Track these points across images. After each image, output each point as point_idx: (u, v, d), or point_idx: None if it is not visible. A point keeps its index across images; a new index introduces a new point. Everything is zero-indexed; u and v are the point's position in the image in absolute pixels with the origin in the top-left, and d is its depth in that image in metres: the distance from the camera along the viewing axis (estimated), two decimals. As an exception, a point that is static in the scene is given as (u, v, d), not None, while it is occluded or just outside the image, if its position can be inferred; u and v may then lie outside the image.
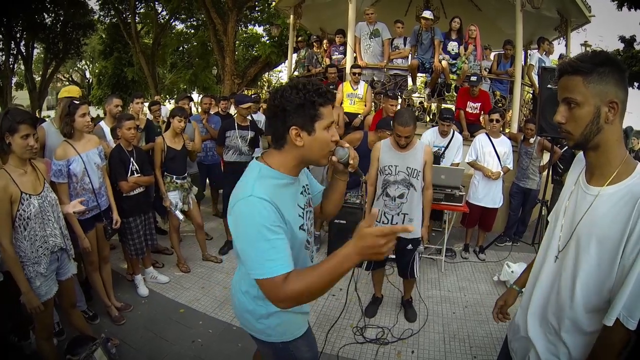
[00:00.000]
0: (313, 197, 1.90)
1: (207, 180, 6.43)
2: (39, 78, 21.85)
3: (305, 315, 1.94)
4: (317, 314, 3.90)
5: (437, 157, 5.29)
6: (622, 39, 16.61)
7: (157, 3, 20.23)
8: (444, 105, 8.44)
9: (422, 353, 3.43)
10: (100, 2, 20.17)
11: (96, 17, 21.38)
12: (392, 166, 3.50)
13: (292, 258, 1.47)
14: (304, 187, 1.79)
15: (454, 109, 6.75)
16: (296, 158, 1.60)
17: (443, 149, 5.34)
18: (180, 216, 4.54)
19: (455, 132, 5.44)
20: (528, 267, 1.87)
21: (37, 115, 16.74)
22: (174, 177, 4.48)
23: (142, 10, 20.78)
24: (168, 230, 4.80)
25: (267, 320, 1.76)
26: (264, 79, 27.65)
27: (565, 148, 5.69)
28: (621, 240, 1.31)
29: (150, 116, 6.09)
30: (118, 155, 3.85)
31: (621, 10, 14.48)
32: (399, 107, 6.42)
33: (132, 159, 3.92)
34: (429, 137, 5.42)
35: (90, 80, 31.04)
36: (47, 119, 4.73)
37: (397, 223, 3.49)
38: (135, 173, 3.93)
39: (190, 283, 4.46)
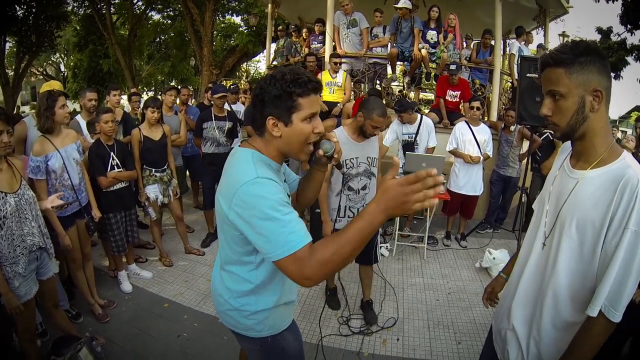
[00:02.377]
0: (288, 185, 1.86)
1: (187, 172, 6.38)
2: (12, 73, 21.16)
3: (293, 304, 1.91)
4: (301, 304, 3.92)
5: (411, 144, 5.33)
6: (599, 30, 16.83)
7: (132, -7, 19.82)
8: (421, 95, 8.49)
9: (407, 340, 3.47)
10: (73, -8, 19.67)
11: (70, 8, 20.79)
12: (353, 159, 3.31)
13: None
14: (284, 174, 1.80)
15: (433, 97, 6.79)
16: (276, 148, 1.58)
17: (413, 135, 5.36)
18: (153, 215, 4.49)
19: (424, 117, 5.45)
20: (514, 257, 1.89)
21: (16, 112, 16.35)
22: (153, 170, 4.41)
23: (117, 1, 20.29)
24: (149, 224, 4.75)
25: (256, 316, 1.71)
26: (242, 69, 27.43)
27: (544, 136, 5.78)
28: (603, 223, 1.33)
29: (127, 108, 6.00)
30: (96, 150, 3.77)
31: (598, 1, 14.66)
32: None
33: (112, 153, 3.83)
34: (396, 127, 5.45)
35: (65, 74, 30.24)
36: (22, 114, 4.62)
37: None
38: (116, 168, 3.86)
39: (173, 277, 4.43)
